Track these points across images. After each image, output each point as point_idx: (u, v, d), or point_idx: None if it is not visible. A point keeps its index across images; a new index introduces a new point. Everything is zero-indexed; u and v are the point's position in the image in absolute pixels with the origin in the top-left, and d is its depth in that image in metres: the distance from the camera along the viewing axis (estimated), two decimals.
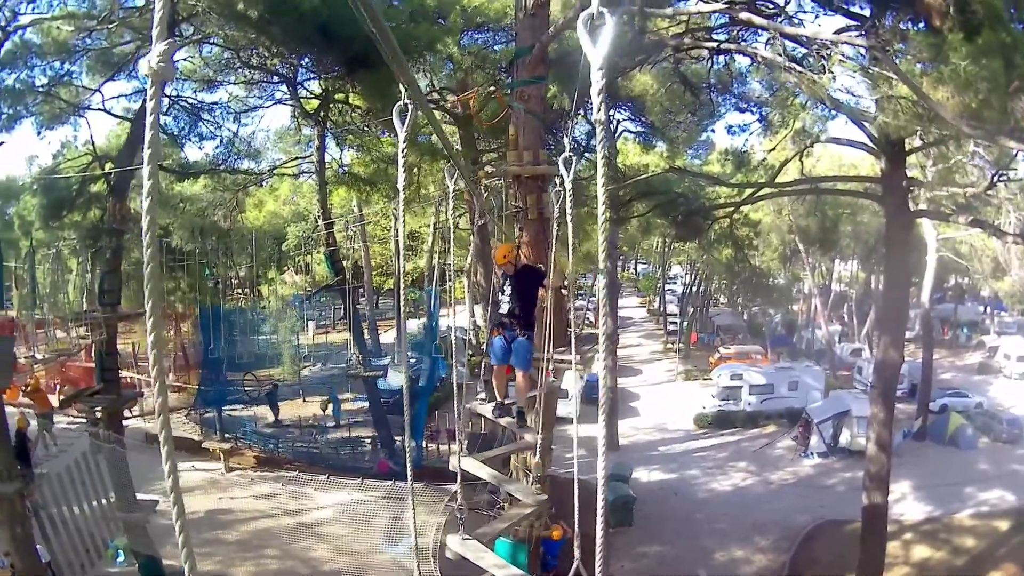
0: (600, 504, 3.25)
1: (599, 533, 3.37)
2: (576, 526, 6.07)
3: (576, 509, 6.07)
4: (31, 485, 16.87)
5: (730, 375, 42.09)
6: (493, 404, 9.83)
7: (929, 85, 12.80)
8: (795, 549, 25.39)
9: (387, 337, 57.28)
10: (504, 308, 9.31)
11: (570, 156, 5.70)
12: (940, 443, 35.14)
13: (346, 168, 34.81)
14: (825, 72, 14.87)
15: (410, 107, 4.33)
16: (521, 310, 9.29)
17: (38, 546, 17.04)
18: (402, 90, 4.44)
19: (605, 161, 2.66)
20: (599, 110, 2.57)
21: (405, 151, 4.61)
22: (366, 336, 40.94)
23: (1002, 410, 38.99)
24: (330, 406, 37.58)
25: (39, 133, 25.30)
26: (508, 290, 9.31)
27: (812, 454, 34.64)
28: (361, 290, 51.39)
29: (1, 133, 23.64)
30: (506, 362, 9.34)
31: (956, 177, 26.78)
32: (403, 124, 4.32)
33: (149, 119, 2.04)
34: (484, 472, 9.14)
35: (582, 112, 24.90)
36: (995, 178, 22.49)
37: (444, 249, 50.22)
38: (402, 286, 25.42)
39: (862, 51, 15.13)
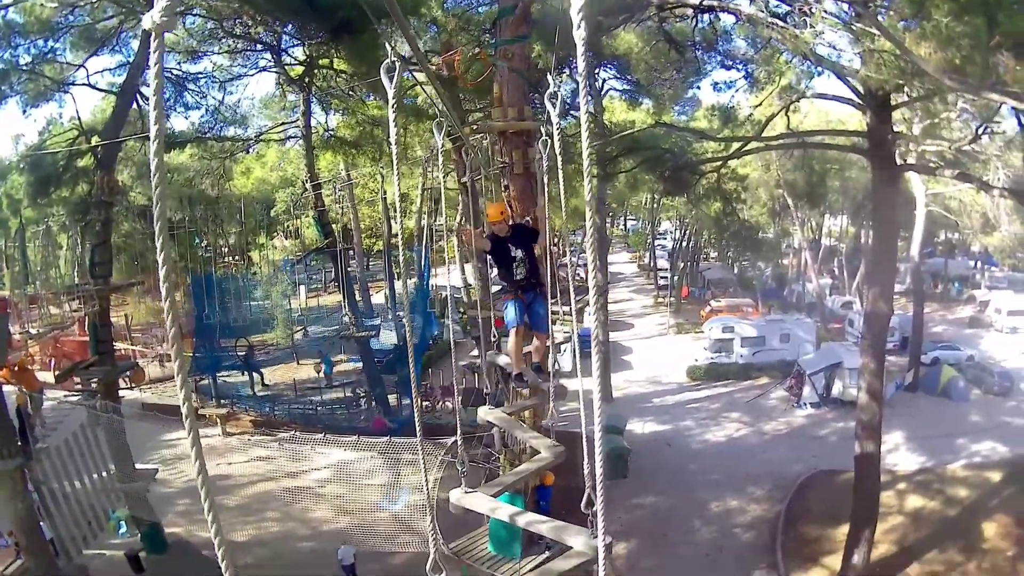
0: (598, 453, 3.43)
1: (598, 477, 3.55)
2: (587, 475, 6.22)
3: (586, 458, 6.19)
4: (31, 461, 17.05)
5: (722, 328, 42.38)
6: (514, 375, 9.67)
7: (912, 41, 12.87)
8: (789, 499, 25.67)
9: (378, 298, 57.42)
10: (519, 274, 9.10)
11: (555, 91, 5.72)
12: (932, 395, 35.34)
13: (332, 132, 34.80)
14: (808, 27, 14.93)
15: (397, 65, 4.42)
16: (531, 270, 9.17)
17: (41, 523, 17.27)
18: (388, 50, 4.52)
19: (587, 98, 2.68)
20: (579, 26, 2.59)
21: (395, 108, 4.67)
22: (357, 298, 41.09)
23: (993, 363, 39.34)
24: (323, 368, 37.92)
25: (25, 111, 25.36)
26: (517, 253, 9.10)
27: (805, 404, 34.95)
28: (351, 252, 51.51)
29: None
30: (522, 323, 9.21)
31: (943, 132, 26.81)
32: (391, 82, 4.40)
33: (153, 69, 2.11)
34: (509, 424, 9.53)
35: (567, 72, 24.90)
36: (979, 131, 22.56)
37: (433, 209, 50.26)
38: (401, 241, 25.31)
39: (845, 7, 15.19)
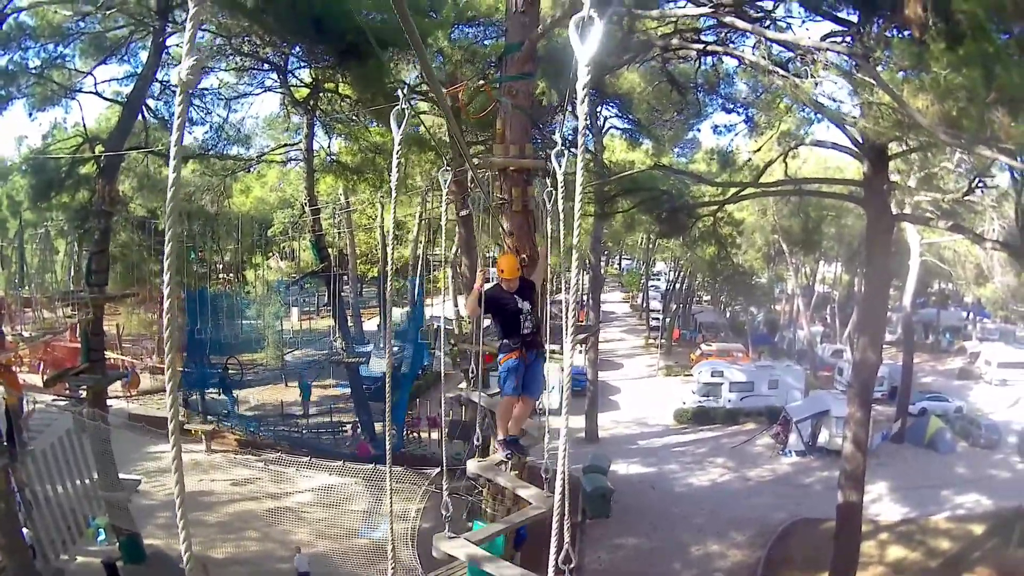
0: (559, 480, 3.49)
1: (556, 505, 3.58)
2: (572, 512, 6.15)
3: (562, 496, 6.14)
4: (16, 463, 17.02)
5: (711, 372, 42.36)
6: (501, 440, 8.84)
7: (910, 93, 13.02)
8: (770, 545, 25.60)
9: (370, 324, 57.37)
10: (527, 328, 8.25)
11: (562, 149, 5.76)
12: (918, 446, 35.27)
13: (334, 156, 34.96)
14: (809, 77, 15.10)
15: (407, 112, 4.44)
16: (535, 324, 8.37)
17: (24, 529, 17.24)
18: (401, 96, 4.57)
19: (585, 161, 2.86)
20: (583, 102, 2.76)
21: (400, 152, 4.59)
22: (349, 323, 41.10)
23: (981, 415, 39.19)
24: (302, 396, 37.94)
25: (31, 115, 25.42)
26: (524, 306, 8.27)
27: (790, 452, 34.91)
28: (345, 277, 51.52)
29: None
30: (517, 395, 8.44)
31: (940, 183, 27.02)
32: (399, 127, 4.41)
33: (177, 121, 2.22)
34: (493, 473, 8.94)
35: (570, 109, 25.18)
36: (973, 184, 22.80)
37: (429, 239, 50.30)
38: (407, 273, 25.51)
39: (846, 58, 15.38)
